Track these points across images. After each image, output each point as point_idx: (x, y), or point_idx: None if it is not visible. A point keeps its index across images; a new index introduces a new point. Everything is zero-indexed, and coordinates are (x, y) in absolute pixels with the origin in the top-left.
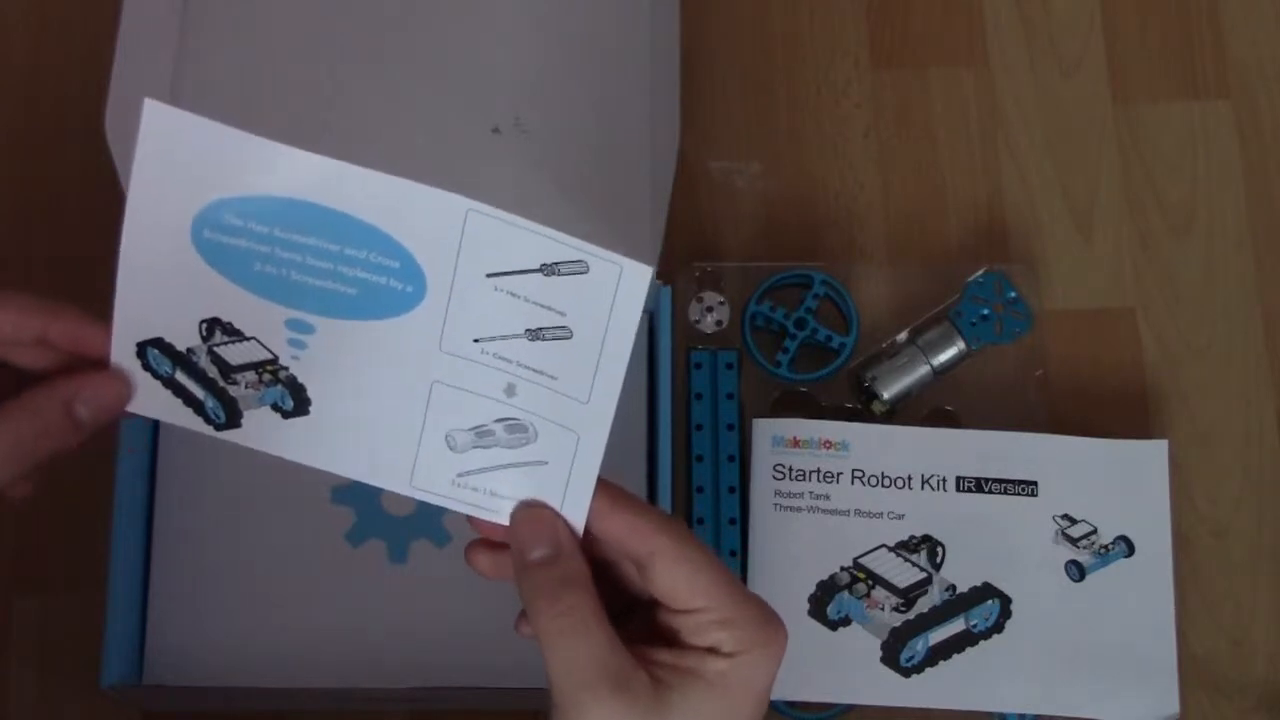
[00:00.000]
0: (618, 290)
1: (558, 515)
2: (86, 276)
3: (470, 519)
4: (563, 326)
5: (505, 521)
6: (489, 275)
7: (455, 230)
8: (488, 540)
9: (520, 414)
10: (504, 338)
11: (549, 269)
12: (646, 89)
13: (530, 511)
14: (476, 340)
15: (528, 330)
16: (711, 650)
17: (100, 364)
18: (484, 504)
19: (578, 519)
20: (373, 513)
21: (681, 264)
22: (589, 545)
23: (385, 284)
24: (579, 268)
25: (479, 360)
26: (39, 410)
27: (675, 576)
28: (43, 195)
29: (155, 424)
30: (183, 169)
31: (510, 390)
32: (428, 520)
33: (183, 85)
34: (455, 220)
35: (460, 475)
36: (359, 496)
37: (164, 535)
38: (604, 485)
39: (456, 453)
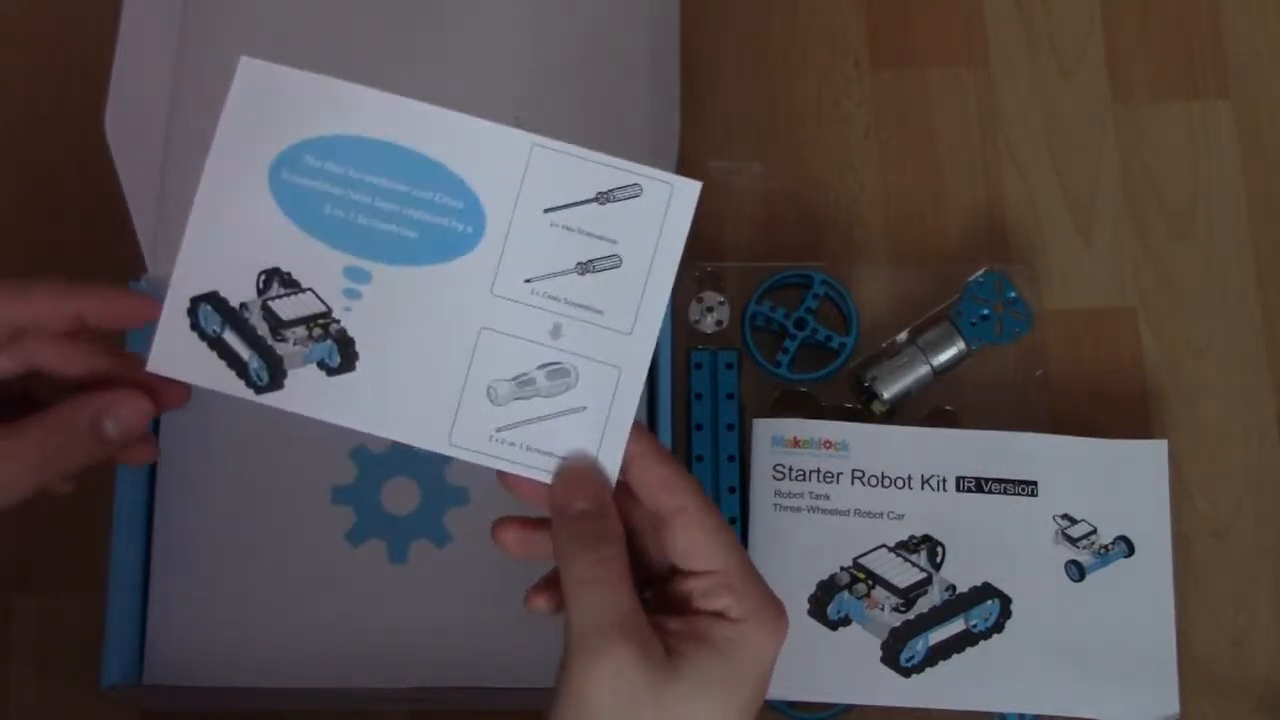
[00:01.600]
0: (668, 210)
1: (603, 474)
2: (86, 276)
3: (502, 475)
4: (613, 255)
5: (543, 479)
6: (546, 211)
7: (519, 166)
8: (516, 518)
9: (563, 356)
10: (555, 275)
11: (604, 197)
12: (646, 89)
13: (576, 466)
14: (528, 280)
15: (579, 264)
16: (719, 615)
17: (131, 375)
18: (521, 459)
19: (613, 462)
20: (373, 513)
21: (682, 264)
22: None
23: (447, 225)
24: (633, 192)
25: (528, 302)
26: (65, 424)
27: (695, 536)
28: (43, 195)
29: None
30: (269, 117)
31: (556, 331)
32: (428, 520)
33: (183, 85)
34: (520, 156)
35: (499, 430)
36: (359, 496)
37: (164, 535)
38: (646, 434)
39: (497, 405)
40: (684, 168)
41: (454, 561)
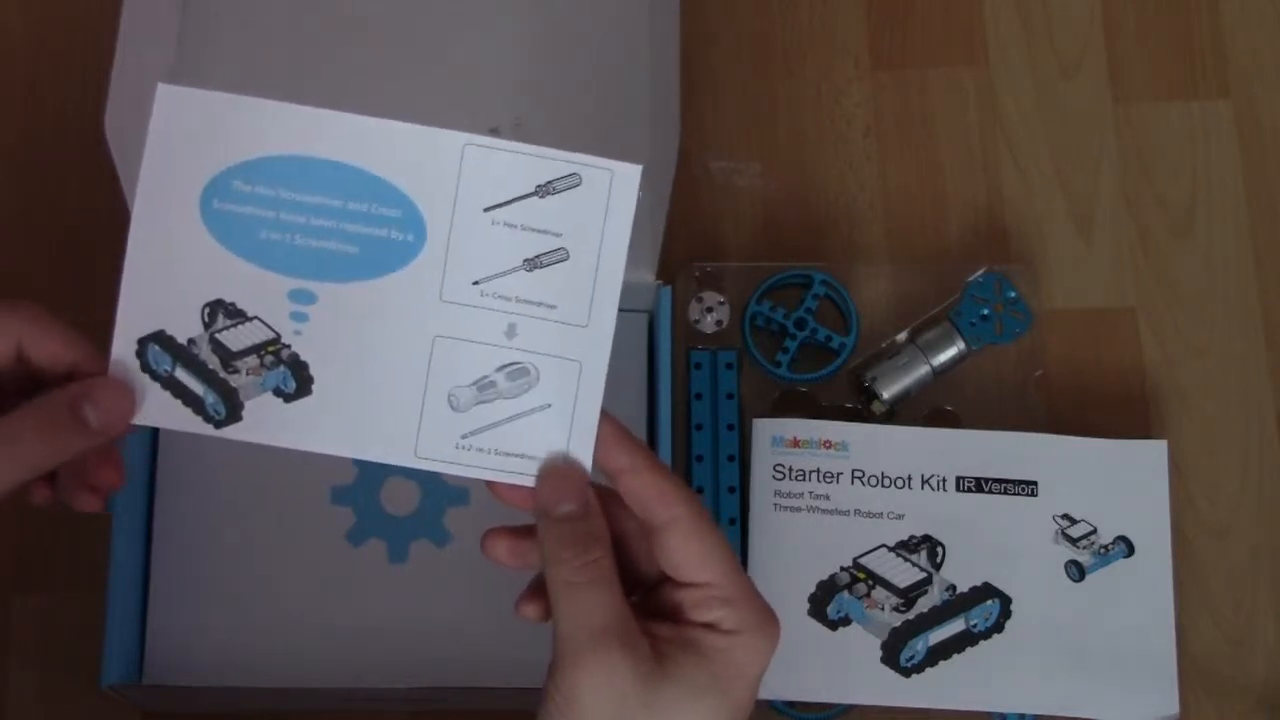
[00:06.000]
0: (610, 197)
1: (585, 473)
2: (86, 276)
3: (490, 485)
4: (560, 249)
5: (516, 481)
6: (486, 209)
7: (453, 167)
8: (505, 528)
9: (521, 355)
10: (503, 274)
11: (544, 189)
12: (646, 89)
13: (558, 468)
14: (476, 283)
15: (526, 260)
16: (711, 626)
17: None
18: (491, 464)
19: (585, 453)
20: (373, 513)
21: (681, 264)
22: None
23: (386, 236)
24: (572, 181)
25: (479, 304)
26: (41, 406)
27: (689, 548)
28: (43, 195)
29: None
30: (193, 145)
31: (511, 331)
32: (428, 520)
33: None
34: (453, 156)
35: (464, 437)
36: (359, 496)
37: (164, 535)
38: (635, 444)
39: (459, 412)
40: (684, 168)
41: (454, 561)
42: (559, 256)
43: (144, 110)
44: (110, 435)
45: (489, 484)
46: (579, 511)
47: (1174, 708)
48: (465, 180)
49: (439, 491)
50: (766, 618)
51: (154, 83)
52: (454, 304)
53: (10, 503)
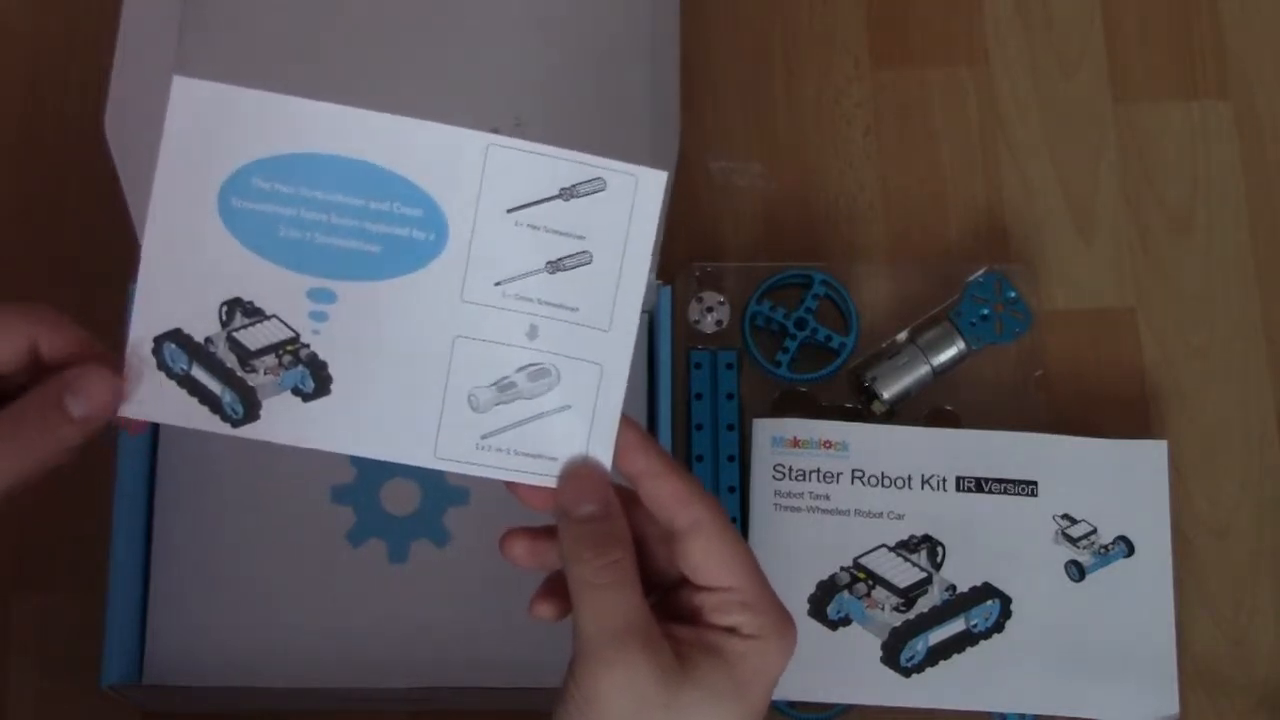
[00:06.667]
0: (634, 202)
1: (606, 474)
2: (86, 276)
3: (511, 486)
4: (583, 252)
5: (535, 481)
6: (509, 211)
7: (476, 167)
8: (524, 529)
9: (542, 356)
10: (525, 275)
11: (567, 192)
12: (647, 89)
13: (581, 469)
14: (498, 284)
15: (548, 263)
16: (731, 630)
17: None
18: (510, 465)
19: (605, 455)
20: (373, 513)
21: (681, 264)
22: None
23: (408, 236)
24: (597, 186)
25: (500, 305)
26: (29, 403)
27: (711, 552)
28: (43, 195)
29: (155, 424)
30: (210, 140)
31: (532, 332)
32: (428, 520)
33: None
34: (476, 157)
35: (484, 437)
36: (359, 496)
37: (164, 535)
38: (655, 448)
39: (479, 413)
40: (684, 168)
41: (454, 561)
42: (582, 260)
43: (144, 110)
44: (96, 424)
45: (509, 485)
46: (600, 512)
47: (1174, 708)
48: (489, 181)
49: (439, 491)
50: (785, 622)
51: (154, 83)
52: (475, 304)
53: (10, 503)
